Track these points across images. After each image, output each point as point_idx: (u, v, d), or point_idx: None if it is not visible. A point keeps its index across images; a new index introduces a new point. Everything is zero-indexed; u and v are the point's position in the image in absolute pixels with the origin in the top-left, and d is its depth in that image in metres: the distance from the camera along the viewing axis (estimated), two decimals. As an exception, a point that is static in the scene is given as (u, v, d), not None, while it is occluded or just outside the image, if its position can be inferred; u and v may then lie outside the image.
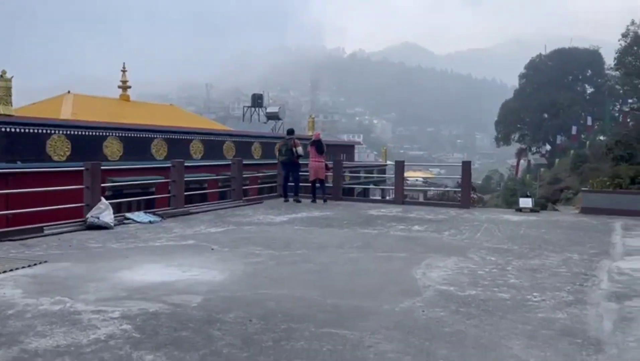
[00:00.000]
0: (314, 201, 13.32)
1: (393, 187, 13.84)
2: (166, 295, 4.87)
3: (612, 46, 72.85)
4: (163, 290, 5.04)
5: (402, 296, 4.92)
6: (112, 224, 8.63)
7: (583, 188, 11.68)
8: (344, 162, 35.03)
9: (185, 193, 12.20)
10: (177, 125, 23.36)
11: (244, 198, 12.82)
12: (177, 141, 22.18)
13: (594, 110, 68.14)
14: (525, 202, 11.66)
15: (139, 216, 9.39)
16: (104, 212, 8.69)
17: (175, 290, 5.05)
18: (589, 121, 65.72)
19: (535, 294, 5.03)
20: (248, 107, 42.26)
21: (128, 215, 9.45)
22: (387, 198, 37.09)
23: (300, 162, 13.48)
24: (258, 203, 12.85)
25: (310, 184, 13.54)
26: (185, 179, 18.29)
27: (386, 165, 52.72)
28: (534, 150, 75.95)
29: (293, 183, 13.28)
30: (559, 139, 69.20)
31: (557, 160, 63.92)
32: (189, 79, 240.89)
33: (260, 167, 23.86)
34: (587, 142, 60.76)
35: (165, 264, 6.21)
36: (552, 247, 7.47)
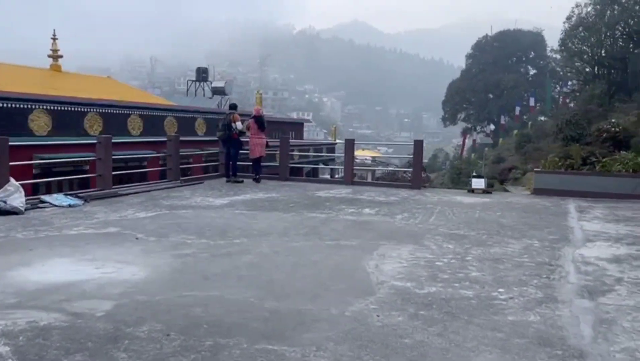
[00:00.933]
0: (256, 180, 12.55)
1: (342, 167, 13.15)
2: (67, 300, 3.97)
3: (554, 30, 74.90)
4: (65, 293, 4.14)
5: (352, 295, 4.24)
6: (22, 208, 7.52)
7: (535, 169, 11.41)
8: (291, 140, 34.19)
9: (119, 172, 11.10)
10: (113, 99, 21.78)
11: (181, 179, 11.81)
12: (113, 116, 20.64)
13: (536, 91, 69.88)
14: (478, 183, 11.28)
15: (57, 199, 8.28)
16: (13, 194, 7.55)
17: (81, 294, 4.16)
18: (532, 102, 67.36)
19: (500, 290, 4.48)
20: (193, 81, 40.48)
21: (44, 197, 8.32)
22: (337, 176, 36.74)
23: (243, 140, 12.58)
24: (198, 183, 11.88)
25: (251, 162, 12.73)
26: (121, 157, 16.99)
27: (335, 143, 52.27)
28: (479, 130, 77.50)
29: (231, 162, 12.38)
30: (503, 119, 70.69)
31: (500, 140, 65.43)
32: (133, 52, 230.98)
33: (205, 144, 22.72)
34: (530, 123, 62.41)
35: (76, 258, 5.27)
36: (510, 233, 7.01)
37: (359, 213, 8.48)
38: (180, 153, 12.89)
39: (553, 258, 5.67)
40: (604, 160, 10.78)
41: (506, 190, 13.11)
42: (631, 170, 10.56)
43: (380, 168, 32.84)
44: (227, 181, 12.31)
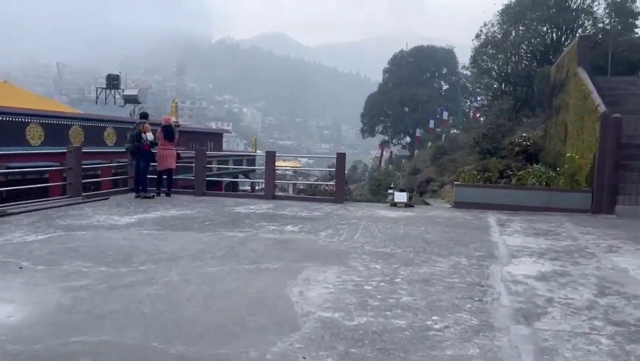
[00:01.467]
0: (158, 194, 11.69)
1: (263, 180, 12.57)
2: None
3: (464, 48, 78.97)
4: None
5: (275, 332, 3.71)
6: None
7: (455, 182, 11.49)
8: (209, 152, 33.06)
9: (11, 187, 9.84)
10: (9, 106, 19.83)
11: (84, 194, 10.70)
12: (9, 124, 18.79)
13: (448, 105, 73.13)
14: (400, 197, 11.16)
15: None
16: None
17: None
18: (445, 115, 70.33)
19: (435, 318, 4.13)
20: (103, 88, 38.18)
21: None
22: (257, 189, 35.90)
23: (155, 151, 11.69)
24: (103, 199, 10.83)
25: (156, 176, 11.85)
26: (16, 170, 15.34)
27: (256, 155, 51.50)
28: (396, 142, 79.82)
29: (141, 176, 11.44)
30: (418, 132, 73.22)
31: (416, 152, 67.71)
32: (38, 56, 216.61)
33: (115, 156, 21.22)
34: (443, 135, 65.10)
35: (-64, 298, 4.33)
36: (437, 249, 6.79)
37: (280, 230, 7.96)
38: (86, 166, 11.76)
39: (482, 277, 5.46)
40: (519, 173, 11.04)
41: (427, 204, 13.17)
42: (544, 183, 10.89)
43: (302, 181, 32.16)
44: (137, 196, 11.34)
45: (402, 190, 11.41)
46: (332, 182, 12.19)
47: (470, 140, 23.51)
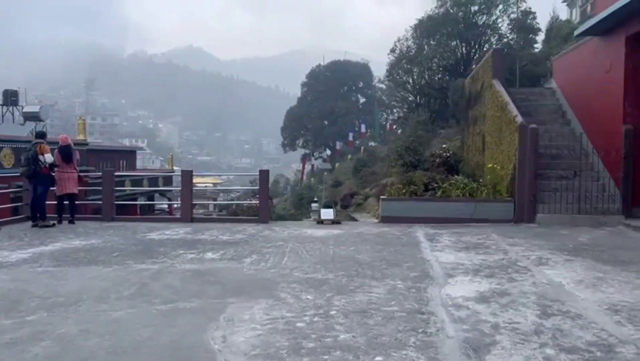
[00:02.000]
0: (59, 222, 10.52)
1: (180, 201, 11.67)
2: None
3: (377, 63, 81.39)
4: None
5: (193, 397, 3.05)
6: None
7: (382, 197, 11.25)
8: (118, 172, 30.98)
9: None
10: None
11: (-31, 226, 9.32)
12: None
13: (366, 118, 74.74)
14: (327, 213, 10.74)
15: None
16: None
17: None
18: (363, 128, 71.72)
19: (378, 359, 3.65)
20: (-1, 105, 35.02)
21: None
22: (175, 206, 34.15)
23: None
24: (-7, 231, 9.49)
25: (57, 202, 10.65)
26: None
27: (173, 172, 49.52)
28: (317, 155, 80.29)
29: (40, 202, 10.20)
30: (338, 144, 74.12)
31: (337, 164, 68.39)
32: None
33: (14, 179, 19.21)
34: (362, 148, 66.29)
35: None
36: (370, 272, 6.37)
37: (200, 259, 7.22)
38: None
39: (422, 302, 5.08)
40: (443, 185, 11.00)
41: (353, 219, 12.87)
42: (468, 195, 10.91)
43: (223, 202, 30.75)
44: (34, 225, 10.08)
45: (328, 207, 11.01)
46: (255, 201, 11.55)
47: (390, 152, 23.76)
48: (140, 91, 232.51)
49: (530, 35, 31.75)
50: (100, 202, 11.04)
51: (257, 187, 11.15)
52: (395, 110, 74.46)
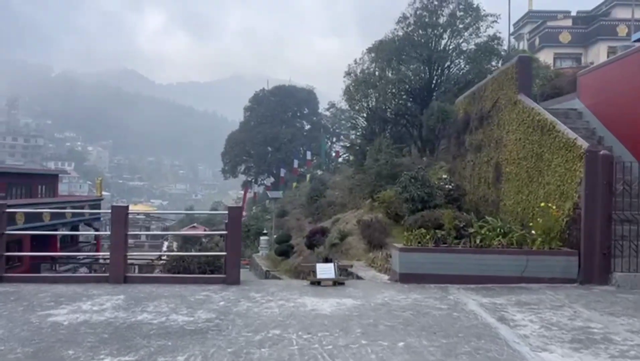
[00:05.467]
0: None
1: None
2: None
3: (318, 92, 79.92)
4: None
5: None
6: None
7: (397, 245, 8.14)
8: (17, 201, 26.04)
9: None
10: None
11: None
12: None
13: (311, 145, 72.32)
14: (326, 271, 7.51)
15: None
16: None
17: None
18: (309, 155, 69.23)
19: None
20: None
21: None
22: (102, 259, 29.20)
23: None
24: None
25: None
26: None
27: (102, 198, 44.42)
28: (260, 182, 76.72)
29: None
30: (282, 172, 71.08)
31: (281, 193, 65.02)
32: None
33: None
34: (308, 175, 63.52)
35: None
36: None
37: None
38: None
39: None
40: (483, 231, 8.07)
41: (358, 277, 9.71)
42: (513, 244, 8.06)
43: (166, 253, 25.81)
44: None
45: (327, 260, 7.78)
46: (221, 253, 8.07)
47: (361, 181, 20.89)
48: (68, 112, 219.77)
49: (495, 61, 30.34)
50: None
51: (218, 230, 7.76)
52: (341, 137, 72.71)
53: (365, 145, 35.33)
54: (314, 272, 7.65)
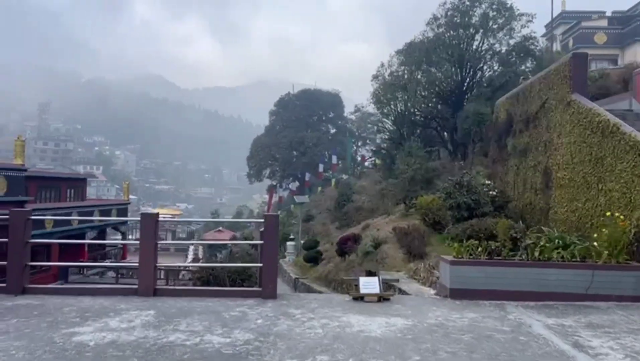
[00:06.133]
0: None
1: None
2: None
3: (344, 98, 79.28)
4: None
5: None
6: None
7: (446, 257, 7.46)
8: (32, 209, 25.92)
9: None
10: None
11: None
12: None
13: (336, 149, 71.78)
14: (370, 286, 6.89)
15: None
16: None
17: None
18: (334, 159, 68.61)
19: None
20: None
21: None
22: (124, 270, 29.00)
23: None
24: None
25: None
26: None
27: (129, 202, 44.60)
28: (285, 186, 76.40)
29: None
30: (307, 176, 70.64)
31: (307, 197, 64.55)
32: None
33: None
34: (333, 180, 62.91)
35: None
36: None
37: None
38: None
39: None
40: (541, 243, 7.34)
41: (401, 290, 9.05)
42: (575, 257, 7.31)
43: (190, 264, 24.95)
44: None
45: (370, 274, 7.15)
46: (257, 264, 7.50)
47: (395, 187, 20.19)
48: (97, 117, 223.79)
49: (529, 63, 29.29)
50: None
51: (254, 241, 7.22)
52: (367, 141, 72.00)
53: (393, 149, 34.64)
54: (357, 286, 7.03)
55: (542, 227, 8.31)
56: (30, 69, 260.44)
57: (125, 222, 38.40)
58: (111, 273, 30.08)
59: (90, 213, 32.64)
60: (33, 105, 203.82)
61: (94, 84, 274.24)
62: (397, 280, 8.37)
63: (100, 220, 32.31)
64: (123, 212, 37.98)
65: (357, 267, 14.00)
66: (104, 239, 36.69)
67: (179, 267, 23.66)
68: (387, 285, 8.54)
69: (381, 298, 6.90)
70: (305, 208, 52.04)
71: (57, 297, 6.71)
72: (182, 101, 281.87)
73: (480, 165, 19.75)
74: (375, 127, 54.15)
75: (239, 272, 11.42)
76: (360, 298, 6.93)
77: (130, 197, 54.28)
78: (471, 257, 7.44)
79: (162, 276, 28.29)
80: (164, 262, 31.25)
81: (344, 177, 62.71)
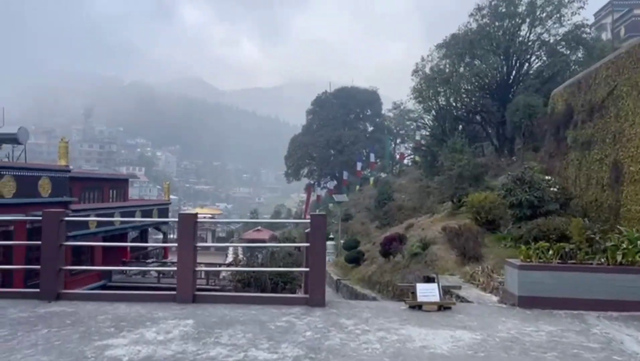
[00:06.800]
0: None
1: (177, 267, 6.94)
2: None
3: (381, 93, 77.99)
4: None
5: None
6: None
7: (519, 262, 6.65)
8: (104, 204, 26.10)
9: None
10: None
11: None
12: None
13: (374, 147, 70.84)
14: (428, 292, 6.19)
15: None
16: None
17: None
18: (372, 158, 67.66)
19: None
20: (-30, 126, 30.62)
21: None
22: (168, 264, 29.08)
23: None
24: None
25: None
26: None
27: (169, 202, 44.95)
28: (322, 185, 75.92)
29: None
30: (345, 175, 69.92)
31: (346, 196, 63.87)
32: None
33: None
34: (372, 178, 61.98)
35: None
36: None
37: None
38: None
39: None
40: (624, 246, 6.47)
41: (458, 297, 8.28)
42: (661, 260, 6.40)
43: (231, 268, 22.80)
44: None
45: (428, 279, 6.47)
46: (302, 268, 6.91)
47: (441, 184, 19.28)
48: (139, 119, 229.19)
49: (581, 52, 27.72)
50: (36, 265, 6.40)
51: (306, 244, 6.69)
52: (406, 139, 70.64)
53: (434, 146, 33.56)
54: (413, 293, 6.34)
55: (618, 227, 7.40)
56: (74, 74, 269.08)
57: (166, 222, 38.66)
58: (153, 272, 30.26)
59: (132, 213, 32.94)
60: (78, 109, 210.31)
61: (135, 86, 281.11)
62: (459, 287, 7.58)
63: (141, 221, 32.53)
64: (164, 211, 38.24)
65: (403, 269, 13.26)
66: (146, 238, 37.04)
67: (220, 265, 23.34)
68: (444, 292, 7.79)
69: (441, 307, 6.20)
70: (343, 207, 51.35)
71: (92, 303, 6.29)
72: (221, 102, 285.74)
73: (532, 160, 18.64)
74: (415, 124, 53.04)
75: (280, 274, 10.90)
76: (418, 306, 6.24)
77: (171, 197, 54.87)
78: (541, 260, 6.64)
79: (202, 276, 28.27)
80: (204, 261, 31.32)
81: (383, 175, 61.72)
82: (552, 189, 10.68)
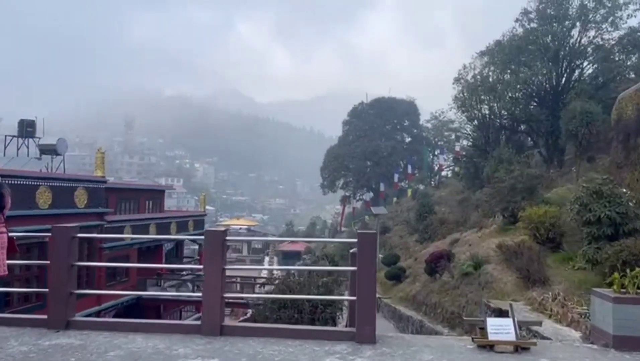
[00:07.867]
0: None
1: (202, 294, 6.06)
2: None
3: (418, 104, 76.49)
4: None
5: None
6: None
7: (613, 294, 5.49)
8: (138, 215, 25.78)
9: None
10: None
11: None
12: None
13: (412, 158, 69.29)
14: (502, 329, 5.11)
15: None
16: None
17: None
18: (410, 169, 66.15)
19: None
20: (13, 136, 31.04)
21: None
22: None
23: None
24: None
25: None
26: None
27: (205, 214, 44.69)
28: (358, 197, 74.72)
29: None
30: (382, 186, 68.59)
31: (384, 208, 62.50)
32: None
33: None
34: (409, 190, 60.45)
35: None
36: None
37: None
38: None
39: None
40: None
41: (531, 332, 7.15)
42: None
43: (267, 296, 20.99)
44: None
45: (500, 313, 5.36)
46: (348, 296, 5.91)
47: (490, 197, 17.97)
48: (178, 131, 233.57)
49: (637, 57, 25.95)
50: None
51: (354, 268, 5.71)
52: (445, 150, 68.94)
53: (476, 157, 32.08)
54: (482, 329, 5.27)
55: None
56: (119, 88, 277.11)
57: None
58: (189, 284, 29.93)
59: (167, 225, 32.73)
60: (119, 121, 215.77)
61: (175, 99, 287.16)
62: (540, 323, 6.42)
63: (177, 230, 32.32)
64: (200, 223, 37.99)
65: (453, 290, 12.07)
66: (181, 249, 36.84)
67: (254, 279, 22.60)
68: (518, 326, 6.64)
69: (518, 348, 5.10)
70: (380, 220, 50.07)
71: (105, 334, 5.45)
72: (258, 115, 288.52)
73: (588, 171, 17.15)
74: (454, 135, 51.50)
75: (320, 293, 9.98)
76: (489, 346, 5.15)
77: (208, 208, 54.87)
78: (639, 291, 5.45)
79: (237, 289, 27.62)
80: (238, 267, 30.97)
81: (421, 187, 60.08)
82: (629, 203, 9.38)
